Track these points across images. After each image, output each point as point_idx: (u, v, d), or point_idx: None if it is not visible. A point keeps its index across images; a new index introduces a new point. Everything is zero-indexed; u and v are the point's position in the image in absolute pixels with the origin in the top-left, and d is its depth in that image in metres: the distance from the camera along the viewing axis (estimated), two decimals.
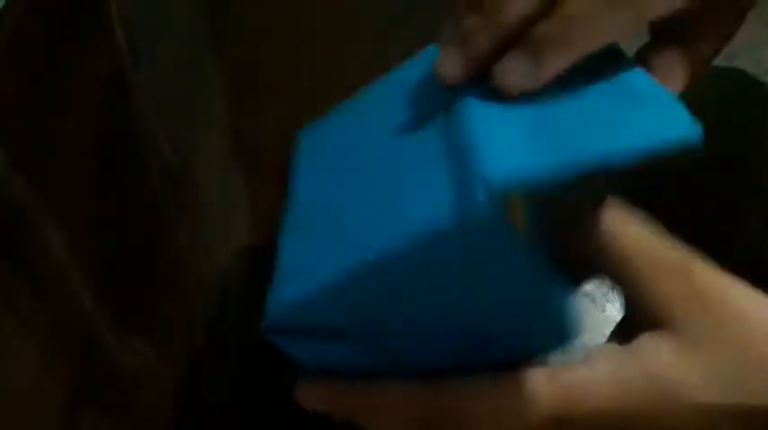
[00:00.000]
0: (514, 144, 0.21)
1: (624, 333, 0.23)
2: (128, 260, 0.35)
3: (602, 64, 0.24)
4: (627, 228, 0.23)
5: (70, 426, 0.29)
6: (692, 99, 0.24)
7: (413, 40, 0.47)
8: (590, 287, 0.34)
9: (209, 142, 0.41)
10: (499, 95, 0.24)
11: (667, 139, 0.21)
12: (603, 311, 0.33)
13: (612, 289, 0.33)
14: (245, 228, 0.37)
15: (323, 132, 0.31)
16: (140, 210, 0.37)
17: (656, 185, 0.32)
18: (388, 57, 0.46)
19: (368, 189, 0.24)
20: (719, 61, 0.47)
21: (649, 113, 0.22)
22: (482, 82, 0.24)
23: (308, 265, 0.23)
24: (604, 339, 0.32)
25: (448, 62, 0.25)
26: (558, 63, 0.23)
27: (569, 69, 0.23)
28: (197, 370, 0.31)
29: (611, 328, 0.32)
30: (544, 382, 0.23)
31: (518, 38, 0.24)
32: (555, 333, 0.23)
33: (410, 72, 0.30)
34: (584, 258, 0.24)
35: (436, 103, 0.26)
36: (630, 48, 0.28)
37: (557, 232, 0.24)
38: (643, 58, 0.27)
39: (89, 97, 0.43)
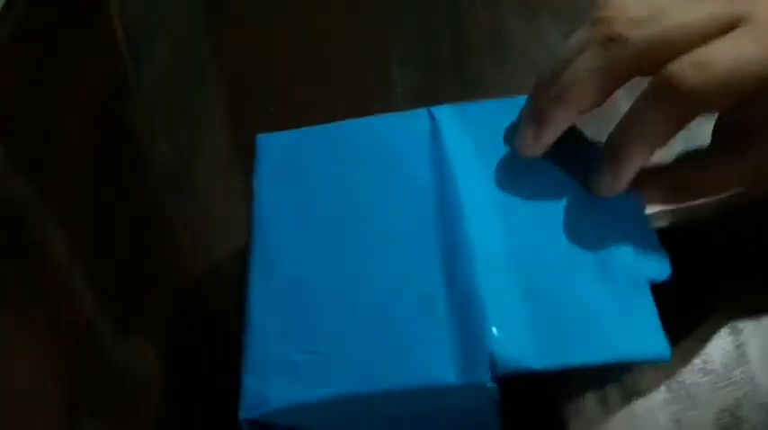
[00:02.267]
0: (519, 325, 0.24)
1: None
2: (128, 260, 0.35)
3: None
4: None
5: (70, 426, 0.29)
6: None
7: (413, 40, 0.47)
8: None
9: (209, 142, 0.41)
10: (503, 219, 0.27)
11: (635, 357, 0.25)
12: None
13: None
14: (245, 228, 0.37)
15: (289, 158, 0.30)
16: (140, 210, 0.37)
17: None
18: (388, 57, 0.46)
19: (354, 281, 0.25)
20: None
21: (628, 328, 0.25)
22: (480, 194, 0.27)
23: (293, 360, 0.24)
24: None
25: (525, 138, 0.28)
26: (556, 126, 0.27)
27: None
28: (197, 369, 0.31)
29: None
30: None
31: None
32: None
33: (394, 135, 0.30)
34: None
35: (426, 186, 0.27)
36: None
37: None
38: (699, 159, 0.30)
39: (89, 97, 0.43)
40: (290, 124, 0.41)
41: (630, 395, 0.30)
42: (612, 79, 0.27)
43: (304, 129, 0.31)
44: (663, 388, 0.30)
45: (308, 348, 0.24)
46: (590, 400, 0.30)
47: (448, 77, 0.44)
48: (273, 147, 0.31)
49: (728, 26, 0.27)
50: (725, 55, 0.26)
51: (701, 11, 0.27)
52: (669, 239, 0.36)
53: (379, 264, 0.26)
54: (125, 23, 0.48)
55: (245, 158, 0.40)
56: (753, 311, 0.33)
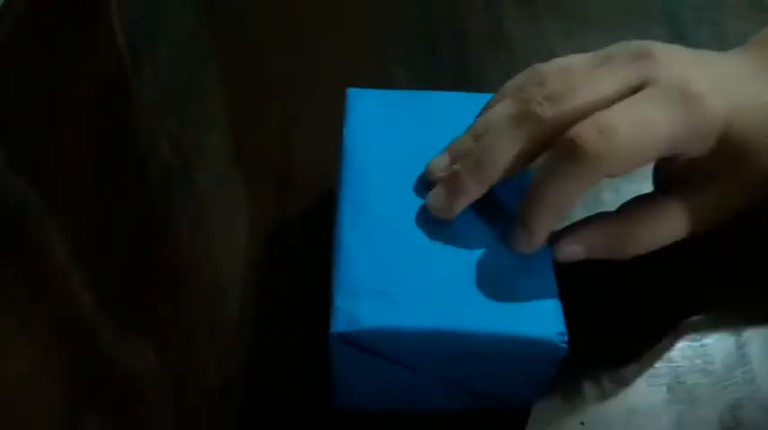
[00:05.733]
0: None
1: None
2: (128, 260, 0.35)
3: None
4: None
5: (70, 426, 0.29)
6: None
7: (413, 39, 0.47)
8: None
9: (209, 142, 0.41)
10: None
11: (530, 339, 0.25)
12: None
13: None
14: (245, 228, 0.37)
15: (379, 114, 0.32)
16: (140, 210, 0.37)
17: None
18: (387, 57, 0.46)
19: (438, 227, 0.28)
20: None
21: (523, 307, 0.26)
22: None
23: (383, 290, 0.26)
24: None
25: (440, 201, 0.29)
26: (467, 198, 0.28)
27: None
28: (197, 370, 0.31)
29: None
30: None
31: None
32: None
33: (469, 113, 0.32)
34: None
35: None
36: None
37: None
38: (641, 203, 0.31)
39: (89, 97, 0.43)
40: (290, 124, 0.41)
41: (632, 395, 0.30)
42: (527, 154, 0.28)
43: (393, 90, 0.33)
44: (664, 388, 0.30)
45: (397, 282, 0.26)
46: (591, 400, 0.30)
47: (448, 77, 0.44)
48: (363, 102, 0.33)
49: (634, 89, 0.28)
50: (627, 120, 0.26)
51: (609, 78, 0.28)
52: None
53: (461, 220, 0.28)
54: (125, 23, 0.48)
55: (246, 158, 0.40)
56: (753, 312, 0.33)
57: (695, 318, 0.33)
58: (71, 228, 0.36)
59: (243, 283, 0.34)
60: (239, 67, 0.45)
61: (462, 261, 0.27)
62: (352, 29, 0.48)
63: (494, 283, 0.26)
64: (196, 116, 0.42)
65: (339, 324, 0.25)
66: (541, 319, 0.26)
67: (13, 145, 0.40)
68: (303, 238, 0.35)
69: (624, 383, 0.31)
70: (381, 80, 0.44)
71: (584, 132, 0.26)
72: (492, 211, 0.29)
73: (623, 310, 0.33)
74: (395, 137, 0.31)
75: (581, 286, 0.34)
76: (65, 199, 0.37)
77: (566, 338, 0.25)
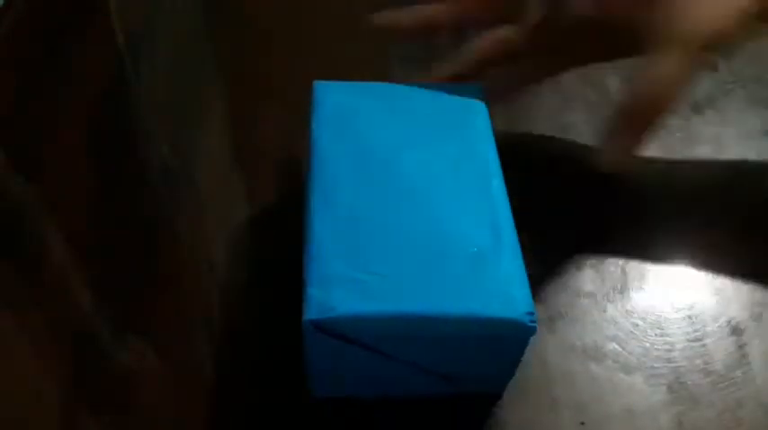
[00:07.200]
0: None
1: None
2: (127, 259, 0.35)
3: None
4: None
5: (70, 426, 0.29)
6: None
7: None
8: (591, 286, 0.34)
9: (209, 142, 0.41)
10: None
11: (498, 319, 0.26)
12: (605, 312, 0.33)
13: (614, 289, 0.33)
14: (245, 228, 0.37)
15: (346, 105, 0.33)
16: (140, 210, 0.37)
17: None
18: (388, 57, 0.46)
19: (407, 216, 0.28)
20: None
21: (493, 289, 0.26)
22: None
23: (355, 277, 0.26)
24: (606, 340, 0.32)
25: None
26: None
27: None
28: (196, 370, 0.31)
29: (613, 330, 0.32)
30: None
31: None
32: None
33: (447, 106, 0.33)
34: None
35: (472, 158, 0.31)
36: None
37: None
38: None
39: (89, 97, 0.43)
40: (290, 124, 0.41)
41: (632, 396, 0.30)
42: None
43: (360, 82, 0.34)
44: (664, 388, 0.30)
45: (368, 269, 0.26)
46: (592, 401, 0.30)
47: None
48: (330, 94, 0.33)
49: None
50: None
51: None
52: (669, 241, 0.36)
53: (430, 207, 0.29)
54: (125, 23, 0.48)
55: (245, 158, 0.40)
56: (754, 312, 0.33)
57: (695, 317, 0.33)
58: (71, 228, 0.36)
59: (243, 283, 0.34)
60: (239, 67, 0.45)
61: (432, 245, 0.27)
62: (353, 29, 0.48)
63: (463, 267, 0.27)
64: (196, 116, 0.42)
65: (312, 312, 0.25)
66: (510, 300, 0.26)
67: (13, 145, 0.40)
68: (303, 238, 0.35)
69: (624, 383, 0.31)
70: (381, 80, 0.43)
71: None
72: (462, 195, 0.29)
73: (622, 308, 0.33)
74: (362, 127, 0.31)
75: (580, 279, 0.34)
76: (65, 199, 0.37)
77: (535, 318, 0.26)
